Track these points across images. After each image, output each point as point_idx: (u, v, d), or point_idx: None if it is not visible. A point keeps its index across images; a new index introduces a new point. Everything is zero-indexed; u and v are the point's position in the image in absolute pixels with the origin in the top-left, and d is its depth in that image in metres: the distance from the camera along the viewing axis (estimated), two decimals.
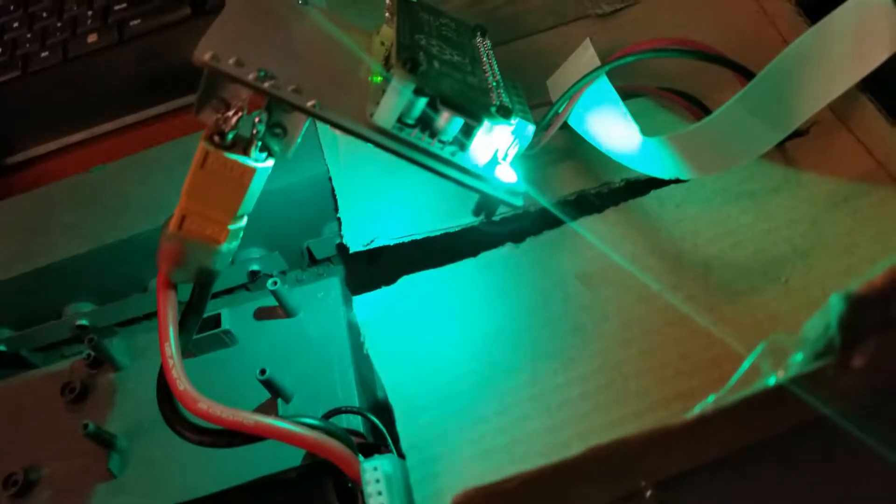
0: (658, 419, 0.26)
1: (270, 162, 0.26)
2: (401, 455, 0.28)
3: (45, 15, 0.52)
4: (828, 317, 0.17)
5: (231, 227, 0.26)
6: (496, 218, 0.31)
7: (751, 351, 0.24)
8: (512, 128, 0.26)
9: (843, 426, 0.20)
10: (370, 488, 0.25)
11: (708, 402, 0.19)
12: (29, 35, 0.52)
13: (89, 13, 0.52)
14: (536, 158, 0.32)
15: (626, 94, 0.30)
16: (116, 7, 0.51)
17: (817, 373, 0.18)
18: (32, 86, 0.50)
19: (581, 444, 0.25)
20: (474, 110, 0.25)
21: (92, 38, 0.51)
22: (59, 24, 0.52)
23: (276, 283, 0.33)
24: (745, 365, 0.19)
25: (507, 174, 0.27)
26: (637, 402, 0.26)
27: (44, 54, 0.51)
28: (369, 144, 0.32)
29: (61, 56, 0.50)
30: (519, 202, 0.27)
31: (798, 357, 0.18)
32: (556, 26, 0.37)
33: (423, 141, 0.26)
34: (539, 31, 0.37)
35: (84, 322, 0.38)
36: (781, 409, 0.20)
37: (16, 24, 0.53)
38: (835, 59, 0.26)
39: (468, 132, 0.26)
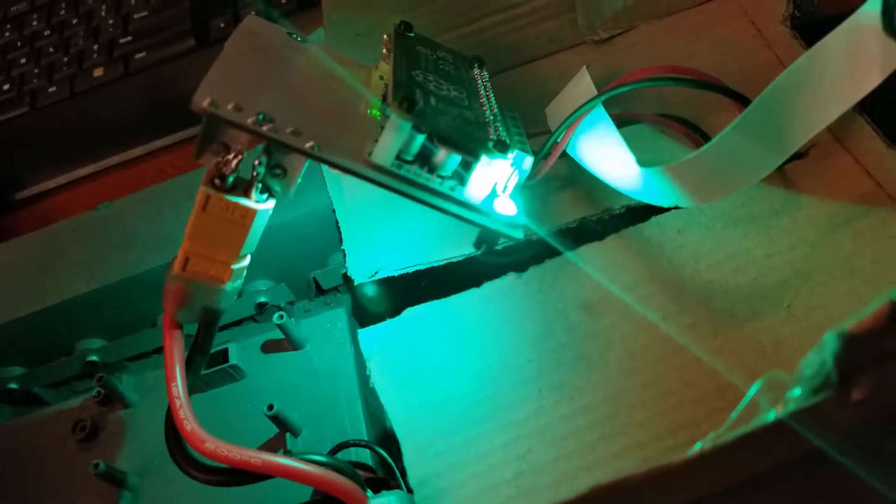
0: (665, 448, 0.26)
1: (271, 203, 0.26)
2: (409, 489, 0.28)
3: (51, 50, 0.53)
4: (823, 353, 0.17)
5: (234, 266, 0.26)
6: (498, 247, 0.31)
7: (754, 378, 0.24)
8: (510, 161, 0.26)
9: (841, 461, 0.20)
10: None
11: (707, 440, 0.19)
12: (36, 70, 0.53)
13: (95, 47, 0.52)
14: (537, 187, 0.32)
15: (624, 121, 0.30)
16: (122, 41, 0.52)
17: (815, 408, 0.18)
18: (40, 121, 0.51)
19: (588, 476, 0.25)
20: (471, 146, 0.25)
21: (98, 71, 0.51)
22: (65, 59, 0.53)
23: (282, 316, 0.33)
24: (744, 401, 0.19)
25: (506, 207, 0.27)
26: (642, 433, 0.26)
27: (51, 89, 0.51)
28: None
29: (68, 91, 0.51)
30: (519, 235, 0.27)
31: (796, 392, 0.18)
32: (553, 53, 0.37)
33: (422, 177, 0.26)
34: (536, 58, 0.37)
35: (95, 358, 0.39)
36: (780, 444, 0.20)
37: (23, 60, 0.53)
38: (830, 83, 0.26)
39: (467, 166, 0.26)
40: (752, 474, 0.20)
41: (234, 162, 0.25)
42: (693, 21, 0.36)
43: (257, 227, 0.26)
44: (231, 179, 0.25)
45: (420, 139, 0.25)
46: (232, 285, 0.27)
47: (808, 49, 0.27)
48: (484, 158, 0.26)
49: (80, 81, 0.51)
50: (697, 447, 0.18)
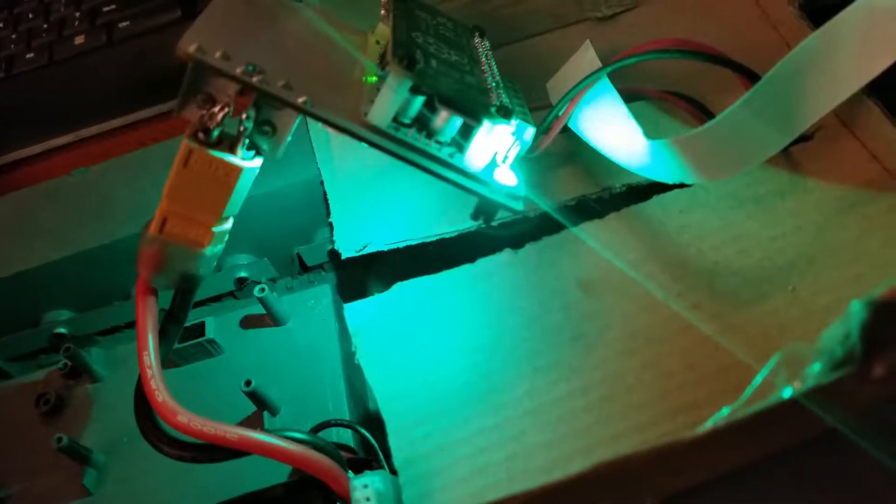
0: (663, 432, 0.25)
1: (258, 161, 0.24)
2: (393, 471, 0.27)
3: (31, 16, 0.51)
4: (848, 325, 0.16)
5: (215, 229, 0.25)
6: (495, 223, 0.29)
7: (759, 360, 0.23)
8: (512, 129, 0.25)
9: (858, 441, 0.19)
10: None
11: (721, 416, 0.18)
12: (14, 36, 0.51)
13: (77, 15, 0.51)
14: (536, 163, 0.31)
15: (627, 97, 0.29)
16: (105, 9, 0.51)
17: (835, 384, 0.17)
18: (17, 87, 0.49)
19: (583, 459, 0.24)
20: (474, 110, 0.24)
21: (79, 40, 0.50)
22: (45, 26, 0.51)
23: (263, 290, 0.32)
24: (760, 376, 0.17)
25: (506, 177, 0.26)
26: (641, 415, 0.25)
27: (29, 56, 0.50)
28: (363, 146, 0.31)
29: (47, 58, 0.49)
30: (519, 206, 0.26)
31: (815, 368, 0.17)
32: (555, 29, 0.36)
33: (420, 141, 0.25)
34: (538, 33, 0.36)
35: (62, 330, 0.37)
36: (796, 423, 0.18)
37: (0, 25, 0.51)
38: (841, 62, 0.25)
39: (467, 133, 0.25)
40: (762, 456, 0.19)
41: (220, 115, 0.23)
42: (697, 1, 0.35)
43: (242, 187, 0.24)
44: (216, 134, 0.23)
45: (419, 101, 0.24)
46: (212, 250, 0.25)
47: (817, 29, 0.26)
48: (486, 123, 0.24)
49: (59, 49, 0.50)
50: (709, 424, 0.17)
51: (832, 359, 0.17)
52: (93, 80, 0.48)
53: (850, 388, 0.17)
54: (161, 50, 0.48)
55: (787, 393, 0.17)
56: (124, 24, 0.49)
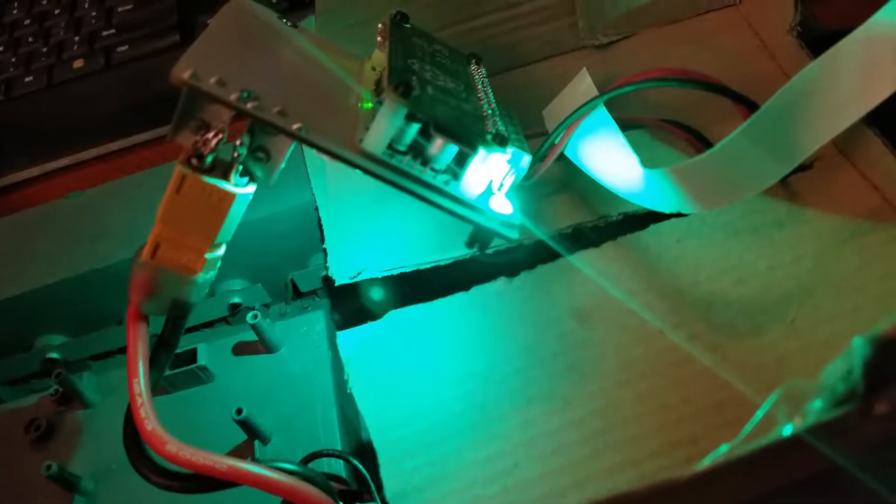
0: (660, 466, 0.24)
1: (252, 188, 0.24)
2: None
3: (30, 40, 0.52)
4: (850, 360, 0.16)
5: (208, 256, 0.25)
6: (490, 250, 0.29)
7: (757, 393, 0.22)
8: (508, 157, 0.25)
9: (860, 479, 0.18)
10: None
11: (719, 453, 0.17)
12: (13, 59, 0.51)
13: (76, 39, 0.51)
14: (531, 190, 0.31)
15: (624, 126, 0.29)
16: (104, 33, 0.51)
17: (837, 421, 0.17)
18: (15, 110, 0.49)
19: (577, 493, 0.23)
20: (469, 138, 0.24)
21: (78, 63, 0.50)
22: (44, 50, 0.51)
23: (256, 316, 0.32)
24: (760, 413, 0.17)
25: (502, 205, 0.26)
26: (637, 449, 0.25)
27: (28, 79, 0.50)
28: (358, 172, 0.31)
29: (45, 81, 0.49)
30: (515, 235, 0.26)
31: (817, 404, 0.17)
32: (551, 56, 0.36)
33: (415, 169, 0.25)
34: (534, 61, 0.36)
35: (55, 355, 0.36)
36: (796, 460, 0.18)
37: (0, 48, 0.52)
38: (841, 91, 0.25)
39: (462, 161, 0.25)
40: (762, 493, 0.18)
41: (214, 141, 0.23)
42: (695, 30, 0.35)
43: (235, 214, 0.24)
44: (210, 160, 0.23)
45: (415, 128, 0.24)
46: (204, 276, 0.25)
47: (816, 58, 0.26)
48: (481, 152, 0.24)
49: (58, 72, 0.50)
50: (707, 461, 0.17)
51: (834, 395, 0.16)
52: (91, 104, 0.48)
53: (852, 425, 0.17)
54: (159, 74, 0.48)
55: (787, 430, 0.17)
56: (123, 48, 0.50)
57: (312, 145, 0.23)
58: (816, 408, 0.17)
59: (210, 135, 0.23)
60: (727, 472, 0.17)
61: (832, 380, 0.16)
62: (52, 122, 0.48)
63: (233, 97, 0.22)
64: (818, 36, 0.33)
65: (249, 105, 0.22)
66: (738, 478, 0.18)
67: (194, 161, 0.23)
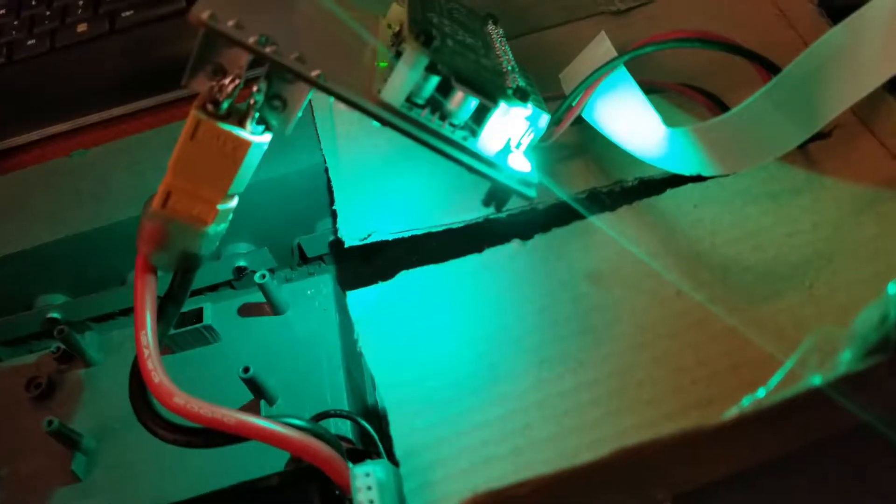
0: (675, 428, 0.24)
1: (267, 137, 0.24)
2: (394, 463, 0.26)
3: (34, 3, 0.51)
4: (884, 308, 0.15)
5: (220, 207, 0.24)
6: (503, 213, 0.29)
7: (774, 357, 0.22)
8: (528, 112, 0.25)
9: (886, 435, 0.18)
10: (361, 496, 0.23)
11: (744, 405, 0.17)
12: (16, 23, 0.50)
13: (80, 3, 0.50)
14: (546, 154, 0.30)
15: (642, 89, 0.29)
16: None
17: (867, 372, 0.16)
18: (17, 74, 0.48)
19: (590, 454, 0.23)
20: (490, 90, 0.24)
21: (81, 27, 0.49)
22: (48, 13, 0.50)
23: (264, 276, 0.31)
24: (790, 363, 0.17)
25: (520, 163, 0.25)
26: (652, 411, 0.24)
27: (30, 42, 0.49)
28: (369, 133, 0.31)
29: (48, 45, 0.48)
30: (532, 193, 0.25)
31: (847, 355, 0.16)
32: (567, 22, 0.36)
33: (434, 122, 0.24)
34: (550, 26, 0.36)
35: (56, 315, 0.36)
36: (823, 414, 0.18)
37: (2, 12, 0.51)
38: (864, 56, 0.25)
39: (481, 116, 0.25)
40: (785, 452, 0.18)
41: (231, 86, 0.22)
42: None
43: (249, 163, 0.24)
44: (226, 106, 0.23)
45: (434, 81, 0.24)
46: (215, 228, 0.25)
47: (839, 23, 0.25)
48: (503, 105, 0.24)
49: (61, 36, 0.49)
50: (734, 411, 0.17)
51: (865, 345, 0.16)
52: (94, 69, 0.48)
53: (882, 376, 0.16)
54: (164, 40, 0.48)
55: (816, 380, 0.16)
56: (127, 13, 0.49)
57: (331, 92, 0.23)
58: (846, 359, 0.16)
59: (226, 80, 0.22)
60: (753, 425, 0.17)
61: (864, 329, 0.16)
62: (54, 86, 0.48)
63: (251, 40, 0.22)
64: (836, 7, 0.33)
65: (268, 49, 0.22)
66: (764, 432, 0.17)
67: (209, 107, 0.23)
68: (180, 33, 0.47)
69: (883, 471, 0.21)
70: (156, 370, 0.24)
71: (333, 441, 0.25)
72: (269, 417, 0.24)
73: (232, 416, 0.23)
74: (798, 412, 0.17)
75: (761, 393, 0.16)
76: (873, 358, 0.16)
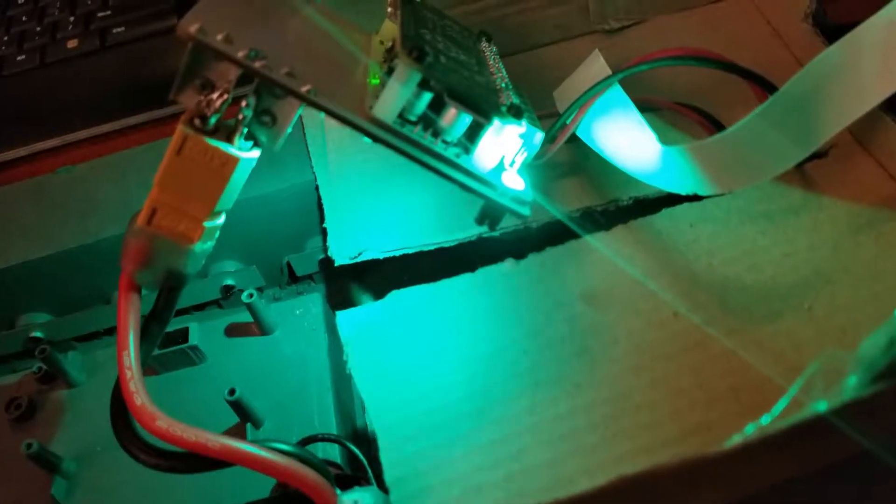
0: (674, 454, 0.23)
1: (256, 153, 0.23)
2: (383, 489, 0.25)
3: (24, 19, 0.51)
4: (891, 332, 0.15)
5: (207, 224, 0.24)
6: (496, 231, 0.28)
7: (773, 380, 0.21)
8: (522, 130, 0.24)
9: (891, 463, 0.17)
10: None
11: (747, 432, 0.16)
12: (6, 38, 0.50)
13: (71, 19, 0.50)
14: (540, 172, 0.30)
15: (638, 108, 0.28)
16: (100, 14, 0.50)
17: (873, 398, 0.16)
18: (6, 89, 0.48)
19: (587, 481, 0.22)
20: (484, 107, 0.23)
21: (72, 43, 0.49)
22: (38, 29, 0.50)
23: (251, 295, 0.31)
24: (794, 388, 0.16)
25: (514, 181, 0.25)
26: (649, 436, 0.24)
27: (20, 58, 0.48)
28: (360, 151, 0.30)
29: (38, 60, 0.48)
30: (526, 212, 0.25)
31: (852, 380, 0.16)
32: (561, 40, 0.36)
33: (426, 139, 0.24)
34: (544, 44, 0.36)
35: (39, 334, 0.35)
36: (827, 441, 0.17)
37: None
38: (861, 74, 0.25)
39: (474, 134, 0.24)
40: (795, 475, 0.17)
41: (219, 101, 0.22)
42: (706, 17, 0.35)
43: (237, 180, 0.23)
44: (213, 121, 0.22)
45: (427, 97, 0.23)
46: (202, 246, 0.24)
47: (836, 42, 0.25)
48: (496, 122, 0.23)
49: (51, 52, 0.49)
50: (737, 439, 0.16)
51: (872, 370, 0.15)
52: (83, 84, 0.47)
53: (889, 403, 0.16)
54: (155, 56, 0.47)
55: (821, 407, 0.16)
56: (119, 29, 0.49)
57: (322, 108, 0.22)
58: (852, 384, 0.16)
59: (214, 95, 0.22)
60: (758, 451, 0.16)
61: (871, 353, 0.15)
62: (44, 101, 0.47)
63: (240, 54, 0.21)
64: (829, 27, 0.33)
65: (258, 63, 0.21)
66: (768, 459, 0.17)
67: (197, 122, 0.22)
68: (172, 50, 0.47)
69: (889, 493, 0.20)
70: (138, 392, 0.23)
71: (321, 467, 0.24)
72: (254, 442, 0.23)
73: (216, 440, 0.22)
74: (802, 439, 0.17)
75: (765, 420, 0.15)
76: (880, 383, 0.16)
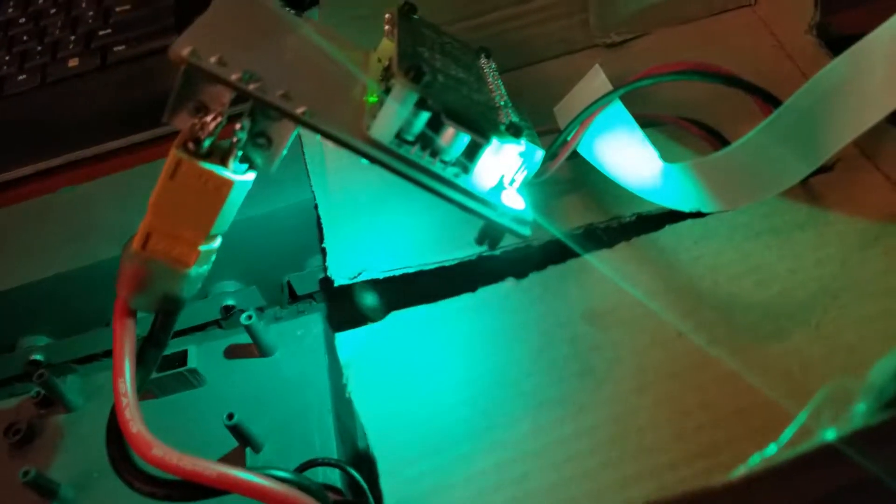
0: (679, 478, 0.23)
1: (251, 175, 0.23)
2: None
3: (25, 38, 0.51)
4: None
5: (202, 248, 0.23)
6: (497, 251, 0.28)
7: (783, 400, 0.21)
8: (521, 149, 0.24)
9: None
10: None
11: (752, 463, 0.16)
12: (7, 58, 0.50)
13: (72, 38, 0.50)
14: (541, 190, 0.29)
15: (639, 123, 0.28)
16: (101, 33, 0.50)
17: (884, 426, 0.15)
18: (7, 109, 0.48)
19: None
20: (483, 126, 0.23)
21: (73, 62, 0.49)
22: (39, 49, 0.50)
23: (250, 317, 0.30)
24: (804, 414, 0.16)
25: (514, 200, 0.24)
26: (655, 459, 0.23)
27: (21, 77, 0.49)
28: (360, 169, 0.30)
29: (39, 80, 0.48)
30: (527, 232, 0.24)
31: (862, 407, 0.15)
32: (562, 54, 0.35)
33: (424, 160, 0.23)
34: (544, 59, 0.35)
35: (38, 357, 0.35)
36: (835, 469, 0.17)
37: None
38: (868, 87, 0.24)
39: (473, 153, 0.24)
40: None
41: (213, 124, 0.22)
42: (709, 30, 0.35)
43: (233, 203, 0.23)
44: (207, 144, 0.22)
45: (424, 117, 0.23)
46: (198, 270, 0.24)
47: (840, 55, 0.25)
48: (495, 142, 0.23)
49: (52, 71, 0.49)
50: (741, 470, 0.15)
51: (882, 397, 0.15)
52: (86, 103, 0.47)
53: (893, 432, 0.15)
54: (156, 75, 0.47)
55: (830, 435, 0.15)
56: (119, 48, 0.49)
57: (317, 130, 0.22)
58: (861, 411, 0.15)
59: (208, 118, 0.22)
60: (764, 483, 0.16)
61: (880, 380, 0.15)
62: (46, 121, 0.47)
63: (234, 77, 0.21)
64: (834, 39, 0.32)
65: (252, 86, 0.21)
66: (776, 490, 0.16)
67: (191, 145, 0.22)
68: (172, 68, 0.47)
69: None
70: (133, 420, 0.23)
71: (319, 493, 0.23)
72: (252, 469, 0.23)
73: (212, 468, 0.22)
74: (813, 467, 0.16)
75: (772, 449, 0.15)
76: (890, 410, 0.15)
